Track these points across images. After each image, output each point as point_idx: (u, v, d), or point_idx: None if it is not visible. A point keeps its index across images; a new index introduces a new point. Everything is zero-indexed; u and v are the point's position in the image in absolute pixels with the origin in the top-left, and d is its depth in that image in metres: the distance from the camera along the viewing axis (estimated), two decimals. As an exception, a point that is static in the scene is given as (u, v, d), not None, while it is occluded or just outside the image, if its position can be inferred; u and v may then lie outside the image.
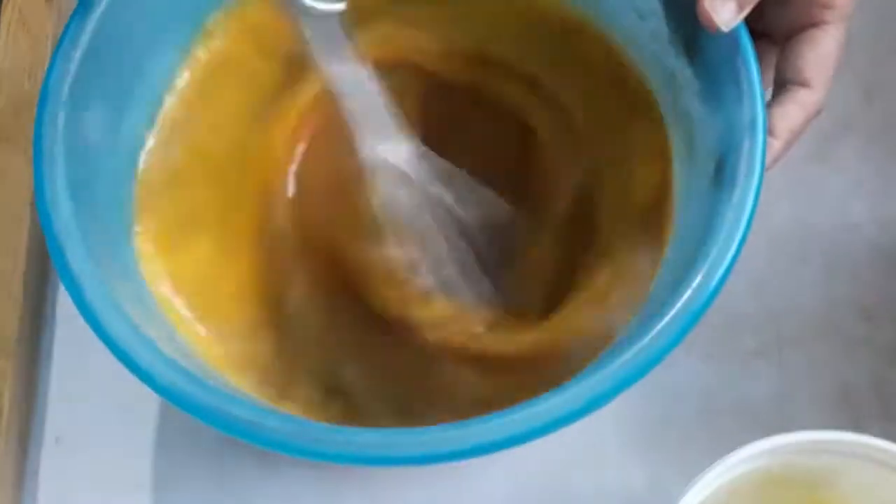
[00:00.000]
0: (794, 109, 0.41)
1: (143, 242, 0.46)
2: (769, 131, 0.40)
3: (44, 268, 0.51)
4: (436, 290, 0.45)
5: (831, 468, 0.41)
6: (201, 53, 0.48)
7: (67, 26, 0.43)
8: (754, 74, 0.42)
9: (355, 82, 0.42)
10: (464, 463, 0.38)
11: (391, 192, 0.44)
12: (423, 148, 0.44)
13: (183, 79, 0.48)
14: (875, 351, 0.49)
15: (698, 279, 0.39)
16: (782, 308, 0.50)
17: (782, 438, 0.39)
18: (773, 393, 0.48)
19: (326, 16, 0.40)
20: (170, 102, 0.48)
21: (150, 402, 0.41)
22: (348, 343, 0.46)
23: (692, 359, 0.39)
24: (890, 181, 0.52)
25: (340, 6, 0.40)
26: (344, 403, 0.45)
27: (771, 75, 0.43)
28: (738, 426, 0.47)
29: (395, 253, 0.44)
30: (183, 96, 0.48)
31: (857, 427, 0.47)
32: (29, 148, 0.50)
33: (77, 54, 0.43)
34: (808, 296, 0.50)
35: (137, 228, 0.46)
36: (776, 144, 0.41)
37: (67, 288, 0.41)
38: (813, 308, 0.50)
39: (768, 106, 0.41)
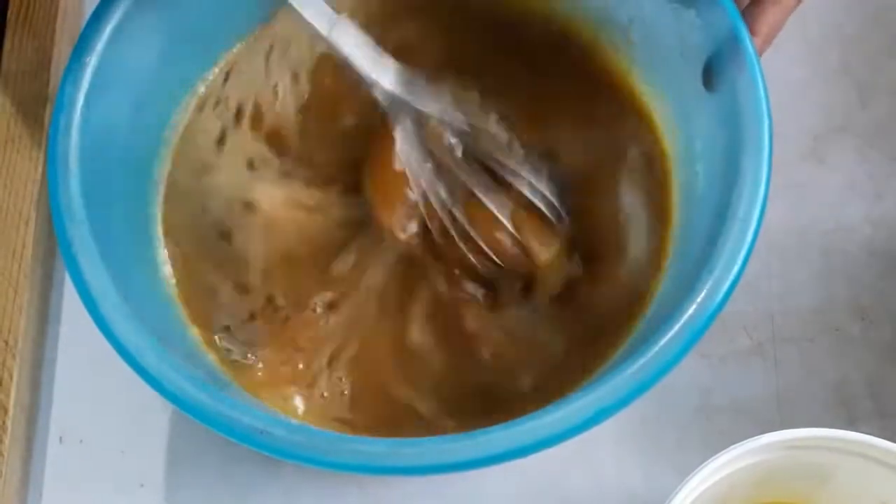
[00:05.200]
0: (771, 6, 0.43)
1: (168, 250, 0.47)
2: (750, 30, 0.42)
3: (50, 267, 0.51)
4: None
5: (826, 465, 0.41)
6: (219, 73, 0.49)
7: (84, 31, 0.44)
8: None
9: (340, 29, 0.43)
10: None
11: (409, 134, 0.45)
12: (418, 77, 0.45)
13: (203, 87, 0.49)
14: (870, 349, 0.49)
15: (704, 292, 0.39)
16: (778, 307, 0.50)
17: (778, 435, 0.39)
18: (769, 391, 0.49)
19: None
20: (188, 111, 0.49)
21: (153, 401, 0.41)
22: None
23: (688, 357, 0.39)
24: (884, 182, 0.52)
25: None
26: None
27: None
28: (735, 424, 0.48)
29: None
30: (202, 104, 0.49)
31: (852, 425, 0.48)
32: (34, 148, 0.50)
33: (92, 60, 0.43)
34: (804, 295, 0.50)
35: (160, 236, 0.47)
36: (757, 41, 0.43)
37: (79, 292, 0.41)
38: (808, 307, 0.50)
39: (747, 7, 0.43)
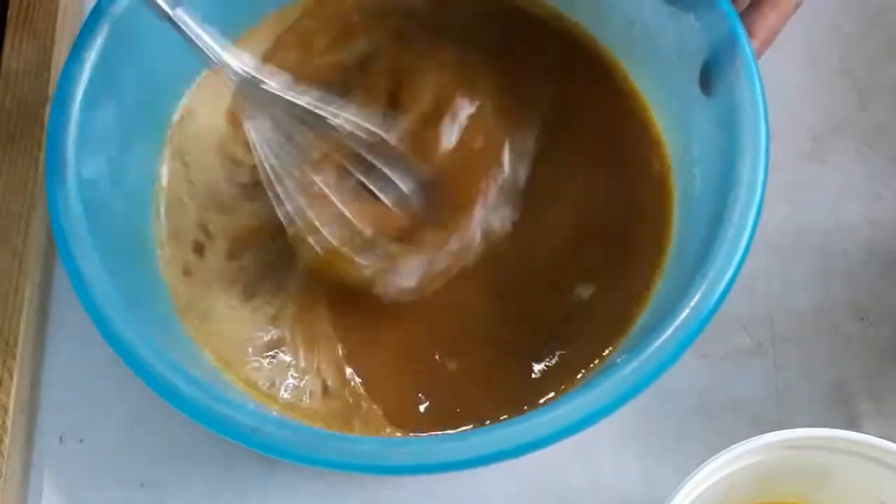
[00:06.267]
0: (770, 10, 0.43)
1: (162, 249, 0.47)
2: (749, 33, 0.43)
3: (48, 268, 0.51)
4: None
5: (825, 465, 0.41)
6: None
7: (83, 30, 0.44)
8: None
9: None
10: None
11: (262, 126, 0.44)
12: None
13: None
14: (868, 349, 0.49)
15: (698, 296, 0.40)
16: (777, 307, 0.50)
17: (777, 435, 0.39)
18: (768, 391, 0.49)
19: None
20: (184, 111, 0.49)
21: (153, 401, 0.41)
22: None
23: (688, 357, 0.39)
24: (883, 182, 0.52)
25: None
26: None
27: None
28: (734, 424, 0.48)
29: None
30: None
31: (851, 424, 0.48)
32: (34, 148, 0.50)
33: (92, 58, 0.43)
34: (803, 295, 0.50)
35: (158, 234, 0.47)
36: (755, 45, 0.43)
37: (78, 292, 0.41)
38: (807, 307, 0.50)
39: (746, 10, 0.44)
